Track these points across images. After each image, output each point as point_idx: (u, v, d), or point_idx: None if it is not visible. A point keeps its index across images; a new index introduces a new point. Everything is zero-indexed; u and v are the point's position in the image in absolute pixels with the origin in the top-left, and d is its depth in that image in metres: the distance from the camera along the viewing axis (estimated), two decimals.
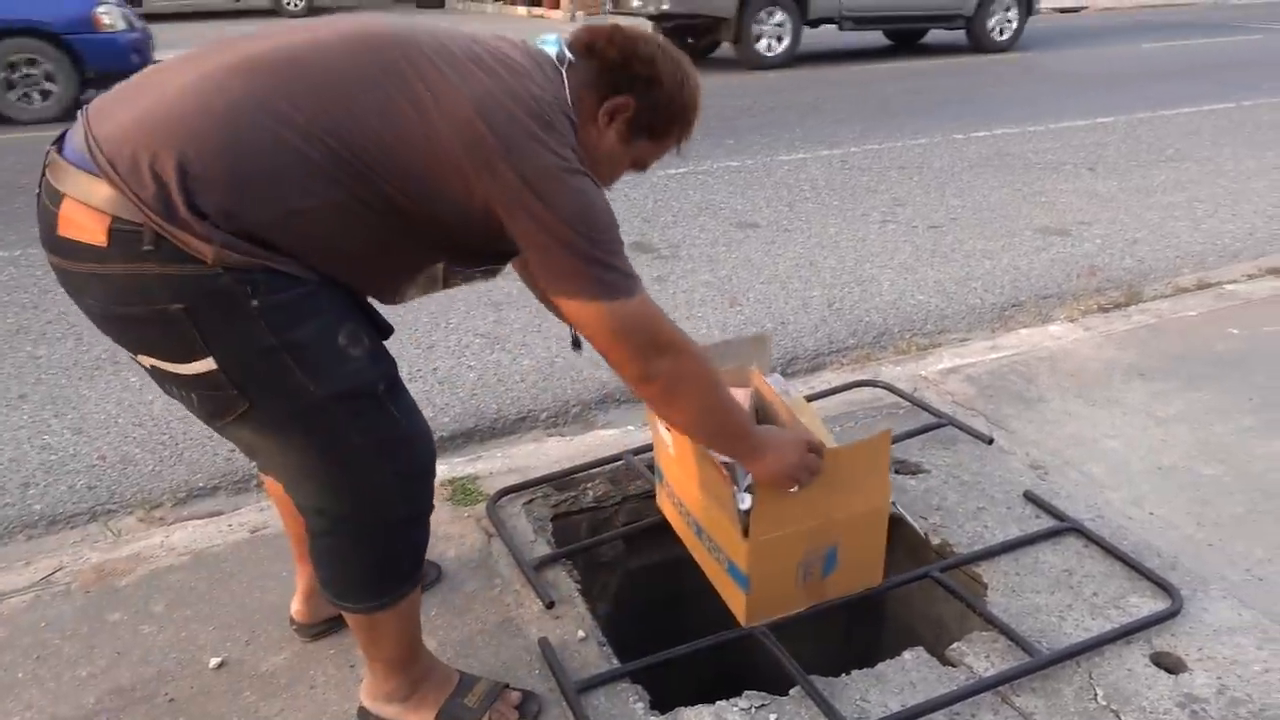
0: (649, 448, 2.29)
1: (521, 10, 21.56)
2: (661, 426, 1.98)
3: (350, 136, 1.20)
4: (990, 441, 2.48)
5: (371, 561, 1.43)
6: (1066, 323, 3.39)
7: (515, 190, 1.24)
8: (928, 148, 6.45)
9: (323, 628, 1.81)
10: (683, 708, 1.67)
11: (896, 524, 2.16)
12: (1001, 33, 11.45)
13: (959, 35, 11.58)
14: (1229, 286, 3.72)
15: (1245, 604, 1.91)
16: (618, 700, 1.69)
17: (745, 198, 5.30)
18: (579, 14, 19.77)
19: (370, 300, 1.40)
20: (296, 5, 17.95)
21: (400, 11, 18.14)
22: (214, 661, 1.76)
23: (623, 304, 1.31)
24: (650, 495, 2.26)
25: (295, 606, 1.81)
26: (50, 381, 3.15)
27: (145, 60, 7.73)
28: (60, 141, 1.23)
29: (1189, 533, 2.15)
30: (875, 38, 12.12)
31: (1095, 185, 5.48)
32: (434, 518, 2.16)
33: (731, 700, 1.69)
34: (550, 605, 1.90)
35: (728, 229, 4.73)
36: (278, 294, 1.20)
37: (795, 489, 1.66)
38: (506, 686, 1.66)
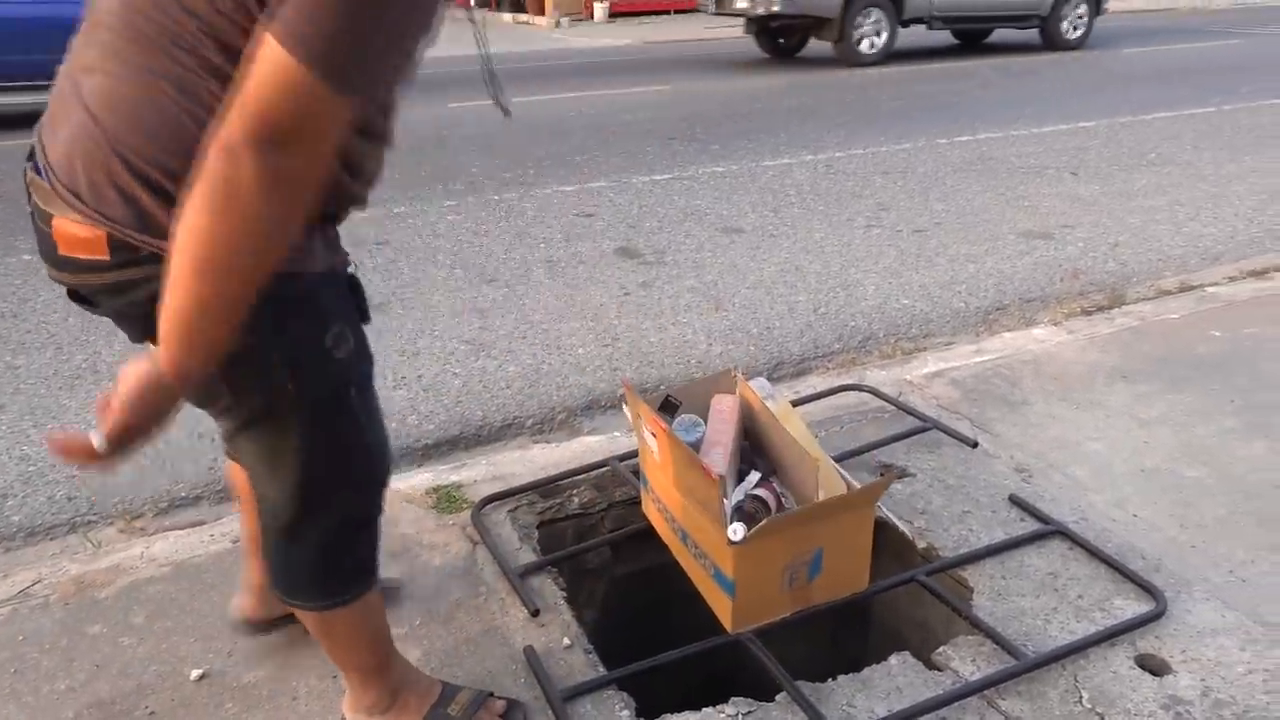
0: (634, 454, 2.28)
1: (507, 18, 21.58)
2: (647, 432, 1.97)
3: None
4: (975, 445, 2.48)
5: (318, 560, 1.40)
6: (1050, 326, 3.40)
7: None
8: (911, 152, 6.48)
9: (268, 627, 1.80)
10: (669, 715, 1.67)
11: (882, 528, 2.16)
12: (1075, 29, 12.02)
13: (1029, 35, 12.18)
14: (1210, 289, 3.74)
15: (1228, 605, 1.92)
16: (604, 708, 1.68)
17: (730, 203, 5.31)
18: (564, 20, 19.79)
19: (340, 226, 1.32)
20: None
21: None
22: (195, 673, 1.74)
23: (318, 83, 0.95)
24: (636, 501, 2.25)
25: (242, 602, 1.78)
26: (29, 391, 3.12)
27: None
28: (32, 155, 1.21)
29: (1172, 535, 2.16)
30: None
31: (1078, 189, 5.51)
32: (419, 526, 2.19)
33: (718, 707, 1.68)
34: (535, 613, 1.89)
35: (713, 234, 4.73)
36: (269, 289, 1.15)
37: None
38: (491, 695, 1.65)
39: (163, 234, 1.09)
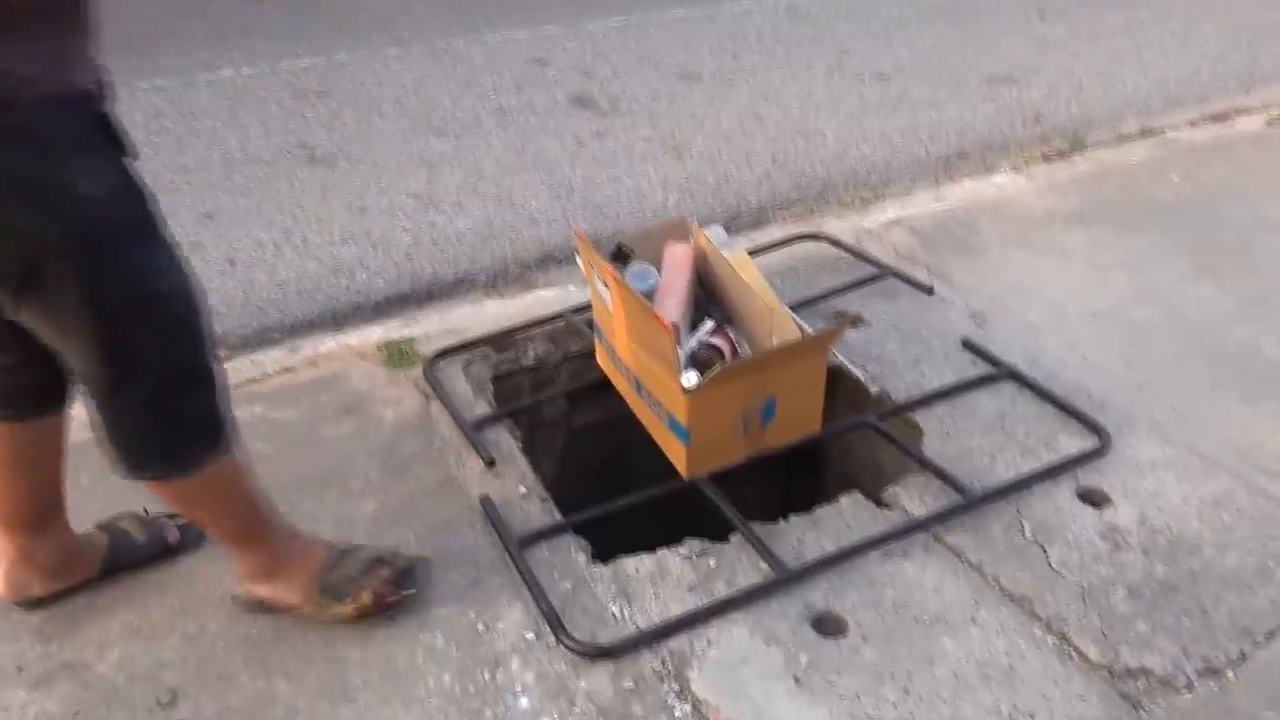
0: (588, 306, 2.24)
1: None
2: (599, 282, 1.93)
3: None
4: (931, 291, 2.48)
5: (149, 423, 1.32)
6: (1010, 172, 3.36)
7: None
8: None
9: (33, 602, 1.60)
10: (624, 556, 1.70)
11: (836, 374, 2.17)
12: None
13: None
14: (1171, 133, 3.70)
15: (1169, 440, 1.97)
16: (560, 552, 1.70)
17: (688, 49, 5.09)
18: None
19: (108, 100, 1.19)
20: None
21: None
22: None
23: None
24: (591, 354, 2.23)
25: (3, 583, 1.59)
26: None
27: None
28: None
29: (1120, 375, 2.19)
30: None
31: (1044, 30, 5.35)
32: (371, 381, 2.16)
33: (673, 548, 1.71)
34: (491, 464, 1.89)
35: (669, 81, 4.55)
36: None
37: None
38: (394, 553, 1.62)
39: None
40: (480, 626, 1.56)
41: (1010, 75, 4.61)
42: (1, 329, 1.28)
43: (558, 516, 1.80)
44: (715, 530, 1.77)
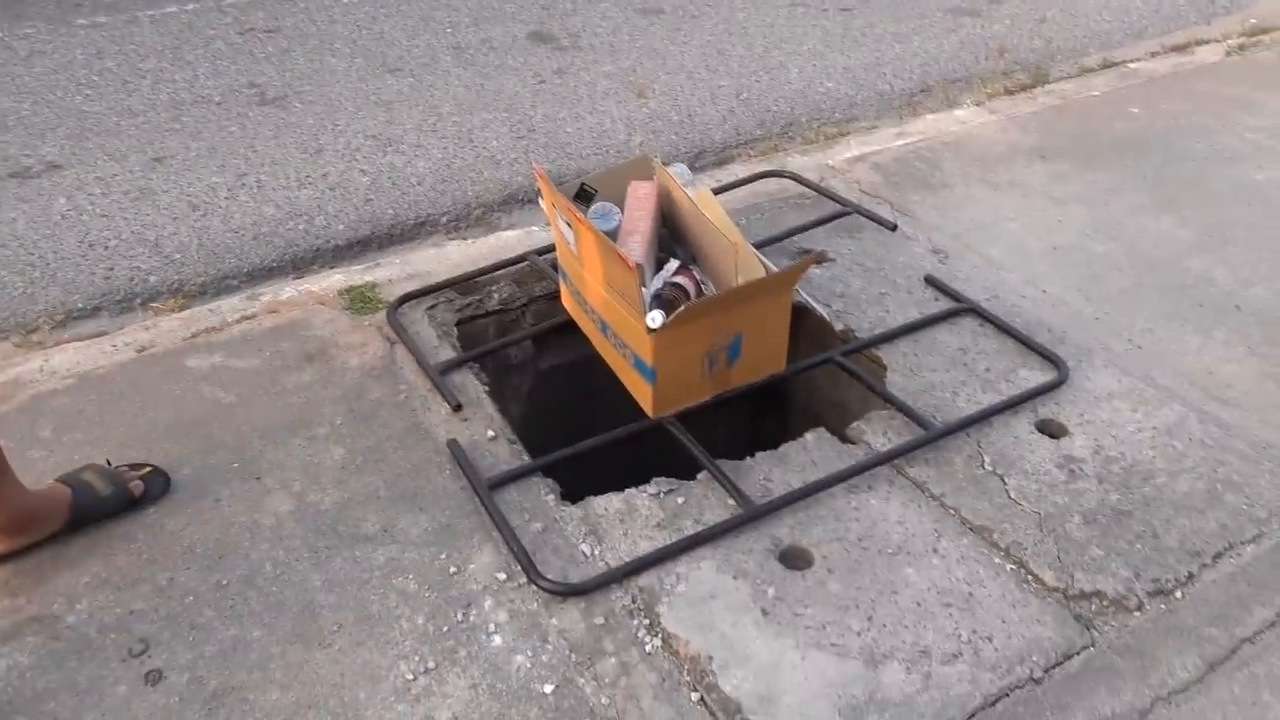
0: (552, 248, 2.22)
1: None
2: (563, 223, 1.91)
3: None
4: (894, 228, 2.48)
5: None
6: (973, 107, 3.35)
7: None
8: None
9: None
10: (592, 496, 1.71)
11: (801, 312, 2.18)
12: None
13: None
14: (1132, 65, 3.71)
15: (1125, 371, 2.02)
16: (529, 494, 1.72)
17: None
18: None
19: None
20: None
21: None
22: None
23: None
24: (556, 296, 2.22)
25: None
26: None
27: None
28: None
29: (1078, 308, 2.23)
30: None
31: None
32: (333, 327, 2.13)
33: (641, 487, 1.73)
34: (458, 408, 1.89)
35: (630, 15, 4.46)
36: None
37: None
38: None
39: None
40: (452, 569, 1.58)
41: (975, 8, 4.57)
42: None
43: (526, 459, 1.80)
44: (682, 469, 1.79)
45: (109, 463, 1.69)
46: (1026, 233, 2.53)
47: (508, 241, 2.49)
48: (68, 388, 1.94)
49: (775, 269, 1.89)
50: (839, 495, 1.71)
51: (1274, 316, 2.22)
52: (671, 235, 2.07)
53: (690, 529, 1.63)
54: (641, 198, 2.04)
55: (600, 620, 1.50)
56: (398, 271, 2.35)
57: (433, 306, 2.21)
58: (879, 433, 1.85)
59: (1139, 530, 1.66)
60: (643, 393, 1.85)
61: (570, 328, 2.14)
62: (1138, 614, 1.53)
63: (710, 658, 1.43)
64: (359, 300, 2.21)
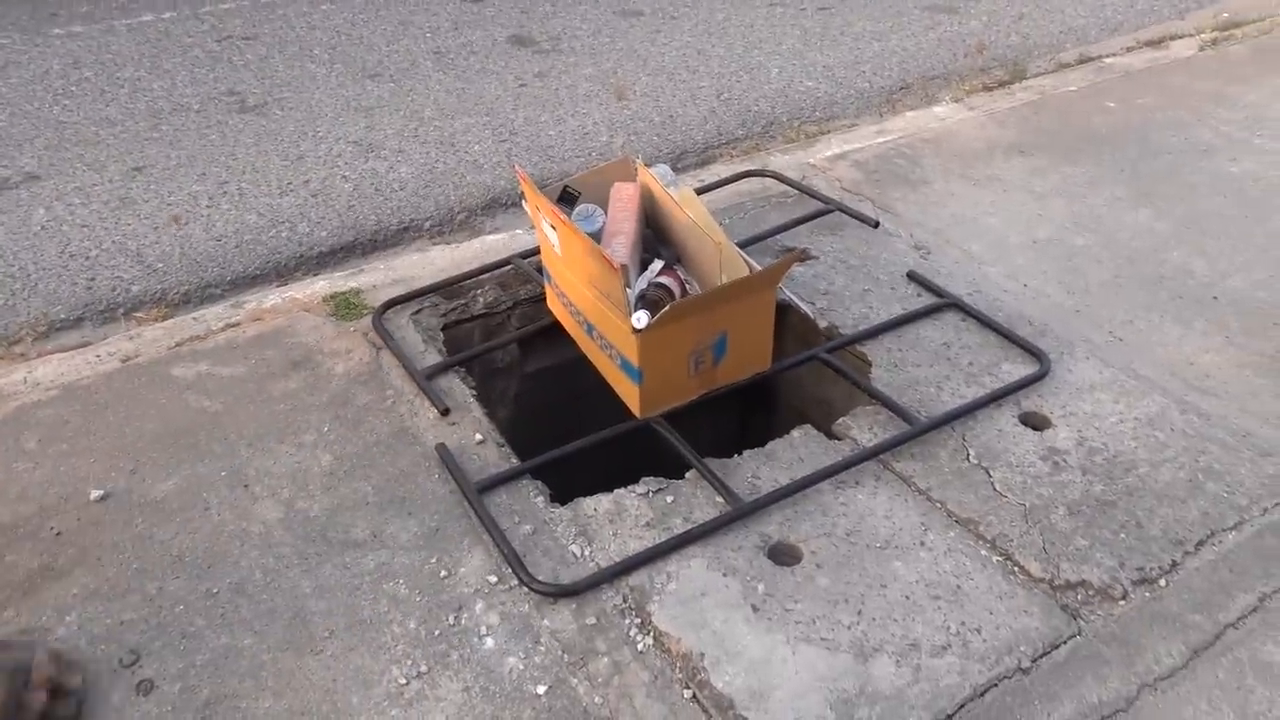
0: (537, 250, 2.23)
1: None
2: (546, 225, 1.92)
3: None
4: (876, 225, 2.50)
5: None
6: (952, 103, 3.38)
7: None
8: None
9: None
10: (582, 497, 1.72)
11: (785, 310, 2.19)
12: None
13: None
14: (1108, 60, 3.74)
15: (1106, 363, 2.04)
16: (518, 496, 1.72)
17: None
18: None
19: None
20: None
21: None
22: (96, 493, 1.70)
23: None
24: (541, 298, 2.22)
25: None
26: None
27: None
28: None
29: (1059, 301, 2.25)
30: None
31: None
32: (318, 334, 2.13)
33: (630, 487, 1.74)
34: (445, 412, 1.89)
35: (610, 18, 4.47)
36: None
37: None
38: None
39: None
40: (443, 573, 1.58)
41: (952, 5, 4.61)
42: None
43: (515, 461, 1.81)
44: (671, 468, 1.80)
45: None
46: (1007, 227, 2.55)
47: (492, 245, 2.49)
48: (52, 399, 1.93)
49: (759, 267, 1.90)
50: (826, 491, 1.72)
51: (1251, 306, 2.25)
52: (655, 236, 2.08)
53: (679, 528, 1.64)
54: (625, 199, 2.05)
55: (592, 620, 1.50)
56: (382, 277, 2.34)
57: (418, 311, 2.21)
58: (865, 428, 1.87)
59: (1123, 520, 1.68)
60: (629, 393, 1.86)
61: (556, 330, 2.14)
62: (1123, 603, 1.54)
63: (702, 655, 1.44)
64: (344, 307, 2.21)
